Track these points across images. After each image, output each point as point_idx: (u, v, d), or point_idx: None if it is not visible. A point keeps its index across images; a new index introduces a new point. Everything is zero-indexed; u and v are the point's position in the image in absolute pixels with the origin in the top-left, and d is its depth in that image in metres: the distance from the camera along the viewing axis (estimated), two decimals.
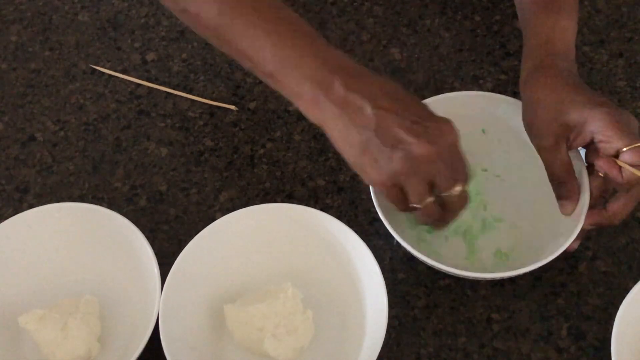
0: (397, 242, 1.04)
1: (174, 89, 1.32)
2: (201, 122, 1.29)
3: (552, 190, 1.09)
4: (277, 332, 1.04)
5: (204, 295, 1.09)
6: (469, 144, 1.10)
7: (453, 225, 1.10)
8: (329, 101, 0.94)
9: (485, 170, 1.17)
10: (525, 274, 1.06)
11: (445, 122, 0.94)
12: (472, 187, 1.07)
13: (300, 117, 1.11)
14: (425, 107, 0.96)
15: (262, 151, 1.26)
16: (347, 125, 0.94)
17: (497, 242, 1.13)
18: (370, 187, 1.06)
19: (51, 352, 1.05)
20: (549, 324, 1.07)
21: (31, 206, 1.17)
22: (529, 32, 1.13)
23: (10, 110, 1.33)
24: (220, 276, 1.10)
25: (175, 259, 1.13)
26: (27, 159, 1.28)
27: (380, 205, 1.05)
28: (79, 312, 1.07)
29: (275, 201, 1.20)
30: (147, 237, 1.14)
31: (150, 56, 1.38)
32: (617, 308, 1.00)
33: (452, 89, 1.30)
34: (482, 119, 1.17)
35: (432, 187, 0.96)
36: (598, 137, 1.01)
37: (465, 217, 1.11)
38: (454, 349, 1.08)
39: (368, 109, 0.92)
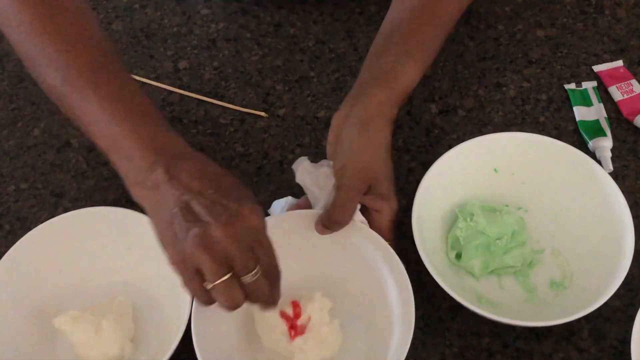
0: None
1: (205, 96, 1.33)
2: (232, 129, 1.31)
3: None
4: (305, 346, 1.05)
5: None
6: (484, 186, 1.15)
7: (503, 271, 1.13)
8: (149, 182, 0.94)
9: (507, 205, 1.18)
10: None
11: (250, 206, 0.92)
12: (508, 229, 1.12)
13: (328, 123, 1.13)
14: (240, 193, 0.94)
15: (291, 157, 1.27)
16: (160, 203, 0.94)
17: (547, 273, 1.14)
18: (420, 251, 1.07)
19: (85, 353, 1.07)
20: (570, 325, 1.07)
21: (66, 210, 1.19)
22: (372, 65, 1.18)
23: (46, 117, 1.35)
24: None
25: None
26: (63, 164, 1.29)
27: (435, 270, 1.06)
28: (112, 313, 1.08)
29: None
30: None
31: (182, 64, 1.39)
32: (637, 309, 1.01)
33: (476, 96, 1.32)
34: (491, 159, 1.18)
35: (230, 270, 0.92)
36: (378, 217, 1.11)
37: (510, 260, 1.12)
38: (478, 349, 1.09)
39: (178, 190, 0.92)
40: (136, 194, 0.97)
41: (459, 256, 1.13)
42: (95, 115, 0.98)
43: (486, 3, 1.43)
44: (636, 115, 1.27)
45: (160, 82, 1.37)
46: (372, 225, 1.10)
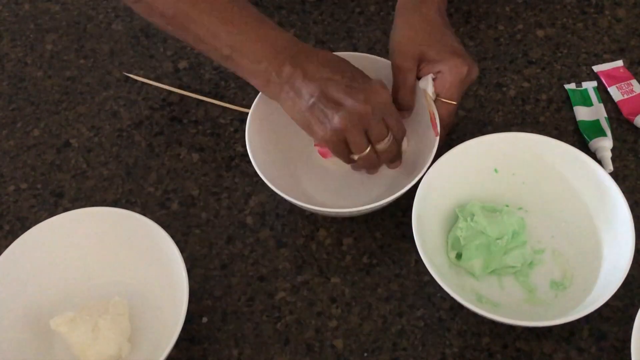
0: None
1: (205, 96, 1.34)
2: (232, 129, 1.31)
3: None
4: None
5: None
6: (484, 187, 1.16)
7: (503, 271, 1.14)
8: (279, 78, 1.10)
9: (507, 206, 1.18)
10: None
11: (377, 84, 1.08)
12: (508, 229, 1.12)
13: None
14: (360, 73, 1.11)
15: None
16: (295, 96, 1.09)
17: (548, 273, 1.14)
18: (420, 252, 1.07)
19: (83, 353, 1.07)
20: (570, 325, 1.07)
21: (66, 210, 1.19)
22: None
23: (46, 117, 1.35)
24: None
25: (206, 261, 1.17)
26: (62, 164, 1.30)
27: (435, 270, 1.06)
28: (108, 313, 1.08)
29: None
30: (179, 241, 1.17)
31: (182, 64, 1.39)
32: (637, 309, 1.02)
33: (476, 96, 1.32)
34: (492, 159, 1.18)
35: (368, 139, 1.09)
36: (441, 78, 1.15)
37: (511, 260, 1.13)
38: (478, 349, 1.09)
39: (311, 80, 1.07)
40: (269, 90, 1.12)
41: (459, 256, 1.13)
42: (215, 26, 1.11)
43: (486, 3, 1.43)
44: (636, 115, 1.27)
45: (160, 82, 1.37)
46: (438, 90, 1.16)
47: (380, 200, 1.12)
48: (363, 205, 1.12)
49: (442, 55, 1.14)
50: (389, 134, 1.10)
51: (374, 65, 1.21)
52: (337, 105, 1.06)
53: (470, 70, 1.14)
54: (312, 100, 1.07)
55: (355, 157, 1.11)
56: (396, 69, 1.17)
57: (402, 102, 1.17)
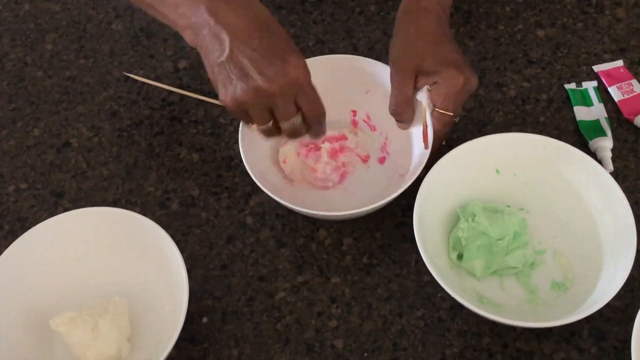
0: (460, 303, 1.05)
1: (205, 96, 1.32)
2: (232, 129, 1.31)
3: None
4: None
5: None
6: (486, 187, 1.16)
7: (505, 272, 1.14)
8: (199, 27, 1.02)
9: (509, 206, 1.18)
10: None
11: (294, 61, 1.00)
12: (509, 230, 1.12)
13: None
14: (284, 43, 1.02)
15: None
16: (210, 50, 1.02)
17: (549, 274, 1.14)
18: (421, 252, 1.06)
19: (82, 353, 1.07)
20: (570, 325, 1.06)
21: (66, 210, 1.19)
22: None
23: (46, 117, 1.35)
24: None
25: (206, 261, 1.16)
26: (62, 164, 1.30)
27: (436, 270, 1.06)
28: (108, 313, 1.08)
29: None
30: (179, 241, 1.17)
31: (182, 64, 1.39)
32: (637, 309, 1.02)
33: (476, 96, 1.32)
34: (493, 160, 1.18)
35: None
36: (436, 89, 1.13)
37: (512, 261, 1.12)
38: (478, 349, 1.09)
39: (226, 38, 1.00)
40: (187, 39, 1.06)
41: (460, 257, 1.13)
42: None
43: (486, 3, 1.43)
44: (636, 115, 1.27)
45: (160, 82, 1.36)
46: (434, 101, 1.14)
47: (373, 203, 1.12)
48: (352, 210, 1.12)
49: (437, 67, 1.12)
50: (298, 114, 1.05)
51: (374, 69, 1.22)
52: (243, 74, 1.00)
53: (467, 81, 1.12)
54: (221, 59, 1.01)
55: (252, 127, 1.08)
56: (393, 82, 1.16)
57: (399, 114, 1.17)
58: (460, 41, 1.39)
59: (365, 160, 1.25)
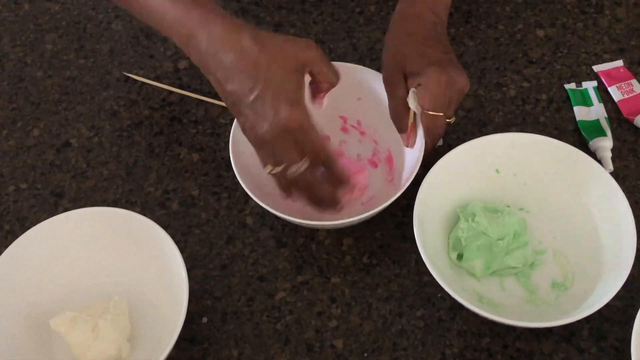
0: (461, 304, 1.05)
1: (205, 96, 1.33)
2: (232, 129, 1.30)
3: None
4: None
5: None
6: (486, 187, 1.16)
7: (505, 272, 1.14)
8: (235, 48, 0.99)
9: (509, 206, 1.18)
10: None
11: (288, 112, 0.99)
12: (509, 230, 1.12)
13: None
14: (288, 85, 1.00)
15: None
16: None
17: (549, 274, 1.14)
18: (421, 252, 1.06)
19: (82, 354, 1.07)
20: (570, 325, 1.07)
21: (66, 210, 1.19)
22: None
23: (46, 117, 1.35)
24: None
25: (206, 261, 1.16)
26: (62, 164, 1.30)
27: (436, 270, 1.06)
28: (109, 313, 1.08)
29: None
30: (179, 241, 1.17)
31: (182, 64, 1.39)
32: (637, 309, 1.02)
33: (476, 96, 1.32)
34: (493, 160, 1.18)
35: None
36: (421, 90, 1.11)
37: (512, 261, 1.12)
38: (478, 349, 1.09)
39: (254, 71, 0.98)
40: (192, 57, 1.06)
41: (460, 257, 1.13)
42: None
43: (486, 3, 1.43)
44: (636, 115, 1.27)
45: (160, 82, 1.36)
46: (421, 102, 1.13)
47: (365, 211, 1.12)
48: (347, 219, 1.11)
49: (420, 67, 1.12)
50: (302, 161, 1.03)
51: (366, 76, 1.23)
52: (238, 114, 1.02)
53: (452, 79, 1.11)
54: (244, 93, 1.00)
55: (266, 171, 1.05)
56: (385, 87, 1.17)
57: (398, 120, 1.16)
58: (460, 41, 1.39)
59: (360, 167, 1.25)
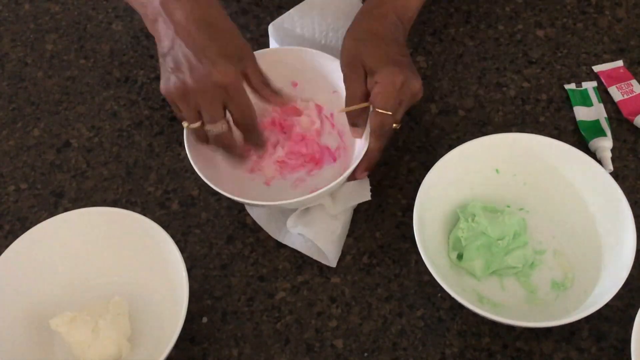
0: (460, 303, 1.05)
1: None
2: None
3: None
4: None
5: None
6: (486, 187, 1.16)
7: (505, 272, 1.13)
8: (154, 16, 1.08)
9: (509, 206, 1.18)
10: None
11: (222, 69, 1.04)
12: (509, 230, 1.12)
13: None
14: (223, 48, 1.06)
15: None
16: (159, 40, 1.08)
17: (549, 273, 1.14)
18: (421, 252, 1.06)
19: (82, 353, 1.07)
20: (570, 325, 1.07)
21: (66, 210, 1.19)
22: None
23: (46, 117, 1.35)
24: None
25: (206, 261, 1.16)
26: (63, 164, 1.30)
27: (436, 270, 1.05)
28: (109, 313, 1.09)
29: None
30: (179, 241, 1.17)
31: None
32: (637, 309, 1.02)
33: (476, 96, 1.32)
34: (493, 160, 1.18)
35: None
36: (375, 88, 1.12)
37: (512, 261, 1.12)
38: (478, 349, 1.09)
39: (171, 32, 1.06)
40: (147, 27, 1.13)
41: (460, 257, 1.13)
42: None
43: (486, 3, 1.44)
44: (636, 115, 1.27)
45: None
46: (372, 99, 1.13)
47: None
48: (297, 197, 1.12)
49: (377, 65, 1.12)
50: (223, 120, 1.08)
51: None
52: (176, 68, 1.06)
53: (407, 80, 1.12)
54: (163, 50, 1.07)
55: (185, 124, 1.10)
56: (344, 81, 1.16)
57: (353, 117, 1.16)
58: (460, 41, 1.39)
59: (318, 160, 1.25)
